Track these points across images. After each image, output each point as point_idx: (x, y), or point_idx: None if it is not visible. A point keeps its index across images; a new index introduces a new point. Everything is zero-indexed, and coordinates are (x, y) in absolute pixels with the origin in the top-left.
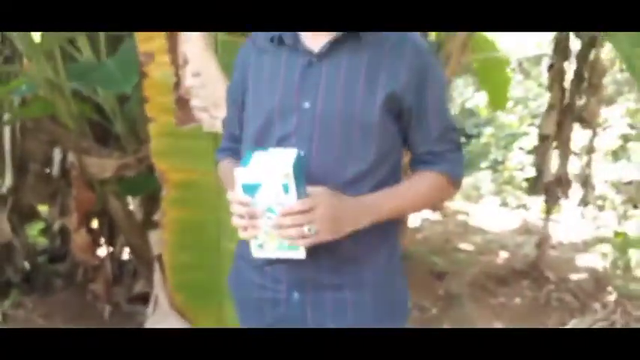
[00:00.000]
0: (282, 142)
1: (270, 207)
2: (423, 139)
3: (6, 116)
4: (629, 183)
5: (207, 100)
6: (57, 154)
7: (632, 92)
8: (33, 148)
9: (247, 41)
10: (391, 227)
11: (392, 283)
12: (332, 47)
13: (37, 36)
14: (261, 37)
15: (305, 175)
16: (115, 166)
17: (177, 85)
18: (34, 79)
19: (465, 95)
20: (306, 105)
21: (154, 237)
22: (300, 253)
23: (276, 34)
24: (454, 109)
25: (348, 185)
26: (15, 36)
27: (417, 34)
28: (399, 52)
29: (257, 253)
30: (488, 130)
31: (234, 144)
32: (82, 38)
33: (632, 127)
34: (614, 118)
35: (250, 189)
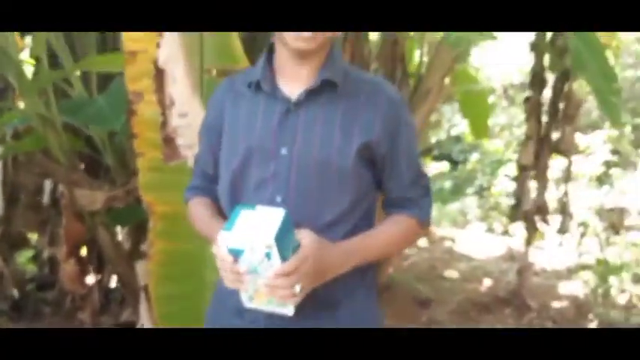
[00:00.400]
0: (258, 186)
1: (255, 268)
2: (396, 185)
3: None
4: (612, 210)
5: (192, 139)
6: (48, 185)
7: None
8: (24, 180)
9: (224, 82)
10: (368, 268)
11: (367, 320)
12: (309, 96)
13: (29, 72)
14: (239, 81)
15: (292, 231)
16: (104, 198)
17: (164, 124)
18: (27, 113)
19: (453, 122)
20: (284, 151)
21: (141, 267)
22: (290, 310)
23: (254, 79)
24: (441, 135)
25: (325, 229)
26: (8, 72)
27: (390, 86)
28: (374, 103)
29: (247, 303)
30: (474, 157)
31: (206, 183)
32: (74, 75)
33: (614, 153)
34: (596, 144)
35: (235, 252)
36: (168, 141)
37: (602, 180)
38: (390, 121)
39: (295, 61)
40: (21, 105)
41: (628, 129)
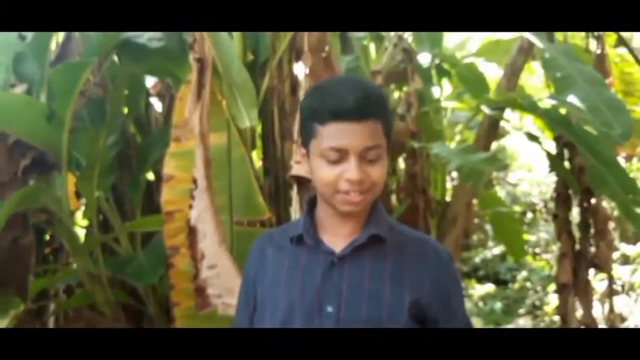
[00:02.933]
0: None
1: None
2: None
3: (52, 306)
4: None
5: (221, 289)
6: None
7: None
8: None
9: (261, 238)
10: None
11: None
12: (355, 250)
13: (82, 232)
14: (278, 236)
15: None
16: None
17: (196, 276)
18: (77, 272)
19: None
20: (329, 309)
21: None
22: None
23: (296, 233)
24: (486, 254)
25: None
26: (61, 236)
27: (437, 242)
28: (422, 260)
29: None
30: (521, 275)
31: None
32: (123, 235)
33: None
34: None
35: None
36: (200, 290)
37: None
38: (441, 280)
39: (341, 218)
40: (73, 265)
41: None
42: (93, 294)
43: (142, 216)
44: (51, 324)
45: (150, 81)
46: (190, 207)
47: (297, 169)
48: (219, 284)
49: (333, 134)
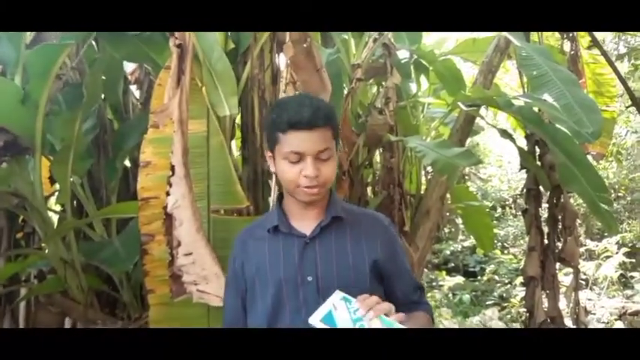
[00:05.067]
0: (294, 314)
1: (350, 316)
2: (402, 293)
3: (22, 292)
4: (635, 313)
5: (196, 276)
6: (67, 322)
7: (631, 219)
8: (45, 319)
9: (241, 234)
10: None
11: None
12: (322, 230)
13: (55, 220)
14: (256, 229)
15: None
16: None
17: (171, 263)
18: (49, 257)
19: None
20: (309, 279)
21: None
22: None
23: (272, 225)
24: (457, 247)
25: None
26: (34, 220)
27: (381, 215)
28: (372, 228)
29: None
30: (490, 267)
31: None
32: (97, 221)
33: (629, 255)
34: (614, 247)
35: (327, 319)
36: (175, 278)
37: (626, 283)
38: (388, 241)
39: (304, 206)
40: (45, 250)
41: None
42: (65, 280)
43: (119, 203)
44: (21, 309)
45: (128, 68)
46: (167, 194)
47: None
48: (195, 271)
49: (292, 141)
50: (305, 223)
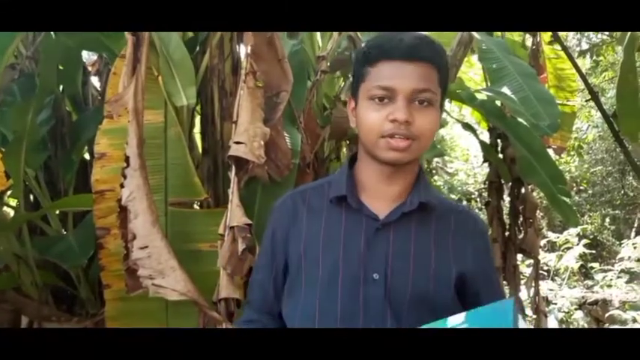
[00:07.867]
0: (347, 319)
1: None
2: None
3: None
4: (595, 303)
5: (152, 270)
6: (24, 321)
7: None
8: None
9: (290, 197)
10: None
11: None
12: (402, 216)
13: (10, 212)
14: (313, 194)
15: None
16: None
17: (127, 256)
18: (2, 253)
19: None
20: (375, 276)
21: None
22: None
23: (337, 194)
24: None
25: None
26: None
27: (477, 214)
28: (464, 229)
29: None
30: None
31: (264, 316)
32: (53, 213)
33: (589, 246)
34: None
35: None
36: (131, 272)
37: (586, 274)
38: (481, 252)
39: (384, 178)
40: None
41: (607, 220)
42: (18, 276)
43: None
44: None
45: (89, 59)
46: (122, 186)
47: (236, 149)
48: (151, 265)
49: (382, 73)
50: (380, 202)
